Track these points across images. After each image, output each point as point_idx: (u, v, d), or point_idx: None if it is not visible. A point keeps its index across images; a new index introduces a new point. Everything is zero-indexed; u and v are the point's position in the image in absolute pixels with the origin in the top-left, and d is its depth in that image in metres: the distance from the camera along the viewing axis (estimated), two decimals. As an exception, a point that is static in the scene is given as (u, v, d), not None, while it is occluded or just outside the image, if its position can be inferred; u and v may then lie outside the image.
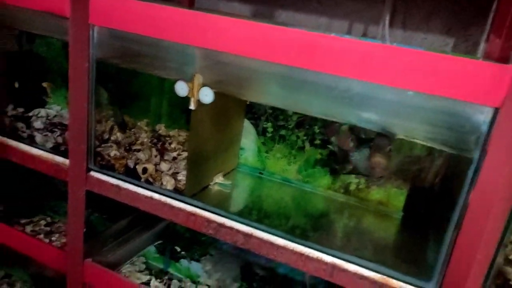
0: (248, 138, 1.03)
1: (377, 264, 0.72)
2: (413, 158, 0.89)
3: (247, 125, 1.03)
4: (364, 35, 1.05)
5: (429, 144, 0.83)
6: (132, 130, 0.97)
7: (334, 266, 0.74)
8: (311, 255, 0.75)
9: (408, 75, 0.60)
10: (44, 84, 1.12)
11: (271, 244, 0.78)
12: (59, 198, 1.51)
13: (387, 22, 0.97)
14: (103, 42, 0.83)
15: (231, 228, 0.81)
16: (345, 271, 0.73)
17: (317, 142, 0.96)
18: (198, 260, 1.32)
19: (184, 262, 1.34)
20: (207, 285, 1.27)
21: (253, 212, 0.87)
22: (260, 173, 1.04)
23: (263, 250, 0.79)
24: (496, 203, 0.59)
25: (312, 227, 0.85)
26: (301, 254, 0.76)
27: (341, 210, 0.94)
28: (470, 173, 0.61)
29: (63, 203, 1.49)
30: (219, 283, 1.27)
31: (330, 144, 0.96)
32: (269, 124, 1.01)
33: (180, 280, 1.33)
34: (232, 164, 1.03)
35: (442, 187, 0.87)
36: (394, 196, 0.93)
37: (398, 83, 0.61)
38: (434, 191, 0.88)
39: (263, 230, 0.79)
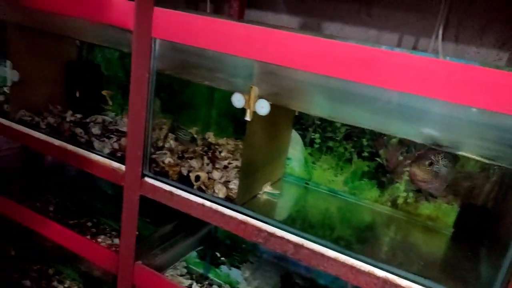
0: (295, 149, 1.05)
1: (430, 280, 0.71)
2: (464, 174, 0.88)
3: (295, 136, 1.05)
4: (415, 48, 1.05)
5: (483, 160, 0.82)
6: (187, 136, 1.00)
7: (386, 281, 0.73)
8: (362, 268, 0.75)
9: (466, 91, 0.60)
10: (104, 92, 1.18)
11: (322, 255, 0.78)
12: (105, 201, 1.57)
13: (440, 35, 0.97)
14: (164, 54, 0.87)
15: (281, 238, 0.82)
16: (397, 286, 0.73)
17: (365, 154, 0.97)
18: (237, 267, 1.34)
19: (224, 268, 1.36)
20: (247, 292, 1.29)
21: (302, 223, 0.89)
22: (306, 183, 1.05)
23: (313, 261, 0.80)
24: None
25: (361, 239, 0.85)
26: (352, 267, 0.76)
27: (389, 223, 0.93)
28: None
29: (108, 206, 1.56)
30: (259, 291, 1.28)
31: (378, 157, 0.96)
32: (317, 135, 1.02)
33: (219, 286, 1.36)
34: (279, 174, 1.05)
35: (496, 204, 0.85)
36: (445, 212, 0.92)
37: (457, 99, 0.61)
38: (487, 208, 0.86)
39: (313, 241, 0.80)
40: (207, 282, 1.37)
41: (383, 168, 0.96)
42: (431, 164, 0.79)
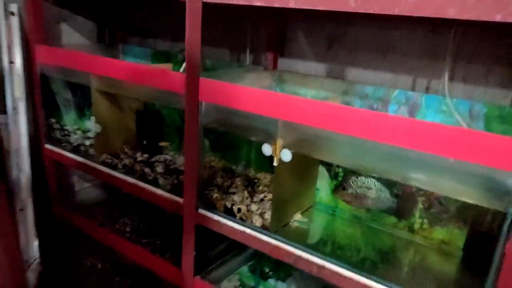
0: (323, 181, 1.22)
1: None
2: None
3: (322, 170, 1.22)
4: (427, 88, 1.17)
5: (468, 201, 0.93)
6: (229, 174, 1.22)
7: (391, 297, 0.88)
8: (372, 285, 0.91)
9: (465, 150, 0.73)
10: (162, 144, 1.44)
11: (340, 275, 0.95)
12: (168, 225, 1.84)
13: (446, 79, 1.09)
14: (209, 113, 1.09)
15: (307, 260, 1.00)
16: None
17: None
18: (283, 280, 1.52)
19: (271, 281, 1.55)
20: (292, 303, 1.46)
21: (325, 247, 1.06)
22: (333, 211, 1.22)
23: (333, 279, 0.97)
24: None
25: (378, 261, 1.00)
26: (365, 285, 0.92)
27: (405, 247, 1.07)
28: (505, 227, 0.73)
29: (171, 229, 1.82)
30: (302, 302, 1.45)
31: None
32: (340, 170, 1.18)
33: (268, 297, 1.54)
34: (309, 202, 1.23)
35: (495, 230, 0.96)
36: (456, 236, 1.04)
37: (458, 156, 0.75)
38: (490, 234, 0.97)
39: (333, 263, 0.97)
40: (257, 294, 1.56)
41: (398, 196, 1.10)
42: (344, 188, 1.02)
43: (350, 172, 1.01)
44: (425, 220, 1.07)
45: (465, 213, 1.00)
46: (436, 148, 0.76)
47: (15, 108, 1.52)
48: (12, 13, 1.50)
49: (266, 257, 1.57)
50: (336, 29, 1.30)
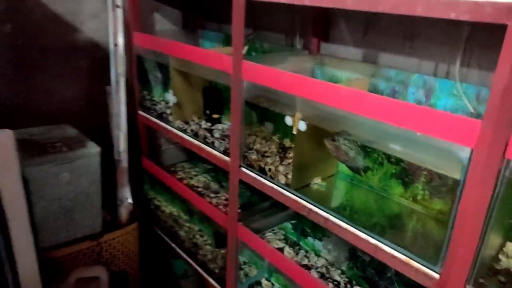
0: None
1: (405, 249, 1.02)
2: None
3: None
4: (447, 73, 1.27)
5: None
6: (268, 142, 1.47)
7: (377, 247, 1.08)
8: (359, 234, 1.11)
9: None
10: (214, 116, 1.77)
11: (340, 227, 1.16)
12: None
13: (457, 65, 1.19)
14: (249, 89, 1.36)
15: (316, 213, 1.23)
16: (384, 251, 1.06)
17: (392, 160, 1.27)
18: (320, 239, 1.75)
19: (310, 239, 1.79)
20: (326, 258, 1.69)
21: (332, 204, 1.27)
22: (351, 179, 1.41)
23: (335, 230, 1.18)
24: (473, 214, 0.85)
25: (374, 220, 1.19)
26: (354, 234, 1.12)
27: (409, 214, 1.23)
28: (458, 191, 0.88)
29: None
30: (335, 260, 1.67)
31: (402, 162, 1.25)
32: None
33: (306, 251, 1.79)
34: (331, 171, 1.43)
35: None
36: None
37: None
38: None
39: (335, 217, 1.18)
40: (297, 247, 1.82)
41: (406, 171, 1.25)
42: (333, 140, 1.18)
43: (346, 132, 1.20)
44: (426, 192, 1.21)
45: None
46: (397, 121, 0.93)
47: (117, 81, 1.96)
48: (118, 6, 1.93)
49: (306, 218, 1.82)
50: (371, 16, 1.44)
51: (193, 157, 2.43)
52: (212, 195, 2.11)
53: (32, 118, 1.87)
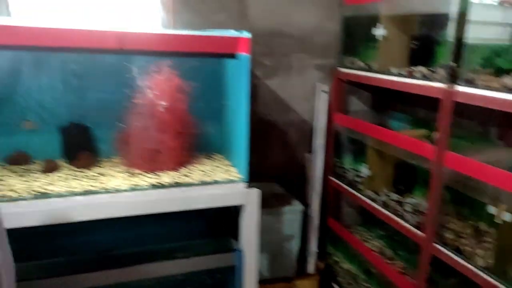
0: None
1: None
2: None
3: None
4: None
5: None
6: (462, 222, 1.62)
7: None
8: None
9: None
10: (405, 195, 1.98)
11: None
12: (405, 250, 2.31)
13: None
14: (452, 175, 1.56)
15: None
16: None
17: None
18: None
19: None
20: None
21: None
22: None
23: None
24: None
25: None
26: None
27: None
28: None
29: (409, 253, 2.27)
30: None
31: None
32: None
33: None
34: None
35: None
36: None
37: None
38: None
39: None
40: None
41: None
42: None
43: None
44: None
45: None
46: None
47: (316, 151, 2.38)
48: (324, 91, 2.38)
49: None
50: None
51: (367, 221, 2.66)
52: (388, 261, 2.28)
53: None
